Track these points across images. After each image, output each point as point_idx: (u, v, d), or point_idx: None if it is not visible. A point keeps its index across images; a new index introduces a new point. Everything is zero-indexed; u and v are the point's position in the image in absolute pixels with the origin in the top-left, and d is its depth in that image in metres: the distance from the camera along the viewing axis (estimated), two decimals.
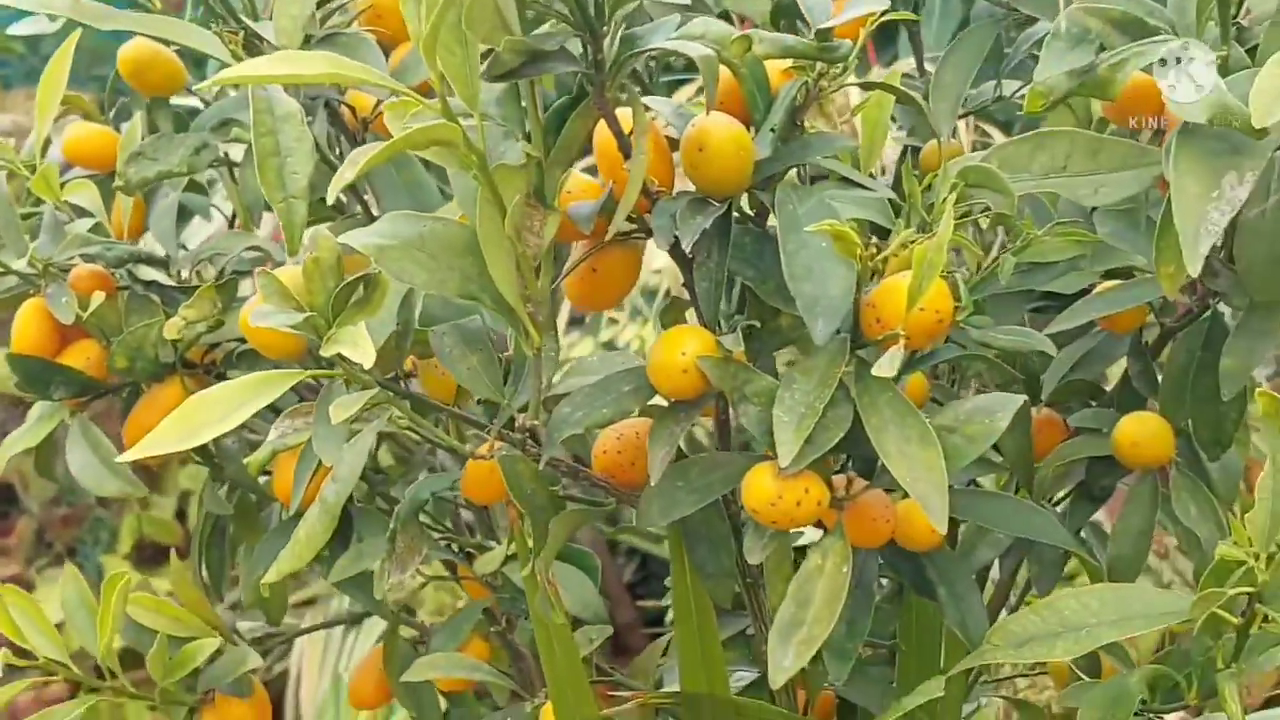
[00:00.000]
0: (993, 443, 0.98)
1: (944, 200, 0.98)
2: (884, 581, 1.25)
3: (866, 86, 1.07)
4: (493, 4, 0.85)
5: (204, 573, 1.36)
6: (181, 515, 4.26)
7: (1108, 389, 1.29)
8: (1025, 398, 1.01)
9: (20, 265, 1.21)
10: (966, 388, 1.33)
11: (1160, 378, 1.22)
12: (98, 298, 1.19)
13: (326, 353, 0.93)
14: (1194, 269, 0.96)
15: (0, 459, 1.24)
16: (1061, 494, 1.27)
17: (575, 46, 0.91)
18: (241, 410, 0.93)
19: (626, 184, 0.94)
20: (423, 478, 1.14)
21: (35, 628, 1.21)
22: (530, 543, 1.04)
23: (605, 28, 0.90)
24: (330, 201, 0.92)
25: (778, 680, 0.95)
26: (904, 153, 1.31)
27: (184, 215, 1.36)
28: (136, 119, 1.28)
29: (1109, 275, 1.19)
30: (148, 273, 1.23)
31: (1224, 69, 1.04)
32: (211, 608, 1.28)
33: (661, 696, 1.14)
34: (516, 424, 0.99)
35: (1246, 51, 1.09)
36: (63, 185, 1.27)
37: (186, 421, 0.93)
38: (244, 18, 1.11)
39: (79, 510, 4.70)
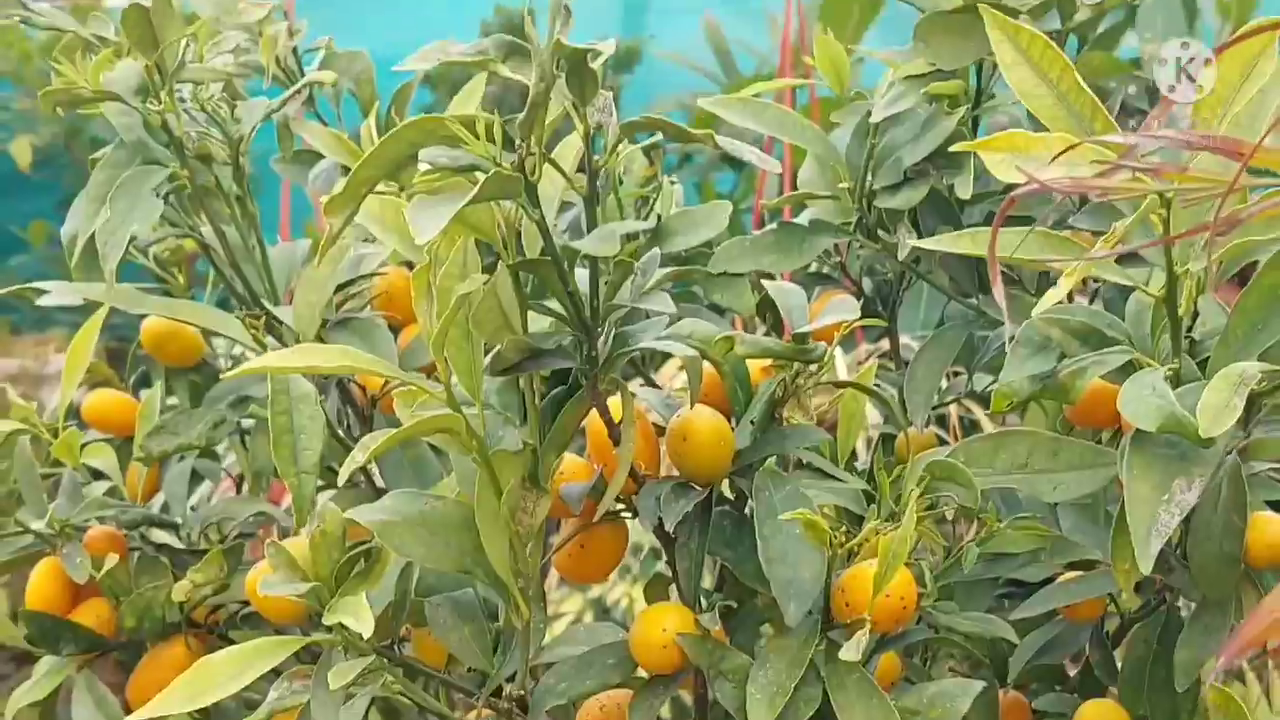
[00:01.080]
0: None
1: (910, 493, 1.06)
2: None
3: (841, 385, 1.14)
4: (498, 306, 0.93)
5: None
6: None
7: (1071, 675, 1.34)
8: (985, 683, 1.06)
9: (39, 526, 1.27)
10: (939, 666, 1.39)
11: (1120, 666, 1.28)
12: (111, 559, 1.25)
13: (329, 621, 0.99)
14: (1145, 567, 1.03)
15: (8, 713, 1.29)
16: None
17: (571, 343, 0.98)
18: (246, 674, 0.98)
19: (615, 468, 1.01)
20: None
21: None
22: None
23: (600, 328, 0.98)
24: (341, 483, 0.99)
25: None
26: (878, 442, 1.38)
27: (195, 478, 1.42)
28: (156, 389, 1.36)
29: (1070, 566, 1.25)
30: (159, 535, 1.30)
31: (1176, 380, 1.11)
32: None
33: None
34: (504, 692, 1.05)
35: (1198, 364, 1.16)
36: (81, 447, 1.34)
37: (195, 685, 0.98)
38: (265, 302, 1.19)
39: None
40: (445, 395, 0.93)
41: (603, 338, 0.99)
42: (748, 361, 1.10)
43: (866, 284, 1.46)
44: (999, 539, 1.15)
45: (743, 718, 0.99)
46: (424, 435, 0.93)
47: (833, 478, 1.10)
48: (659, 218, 1.24)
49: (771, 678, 1.00)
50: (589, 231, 0.95)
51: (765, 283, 1.19)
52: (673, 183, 1.26)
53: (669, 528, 1.03)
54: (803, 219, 1.36)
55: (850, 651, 0.97)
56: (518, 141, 0.89)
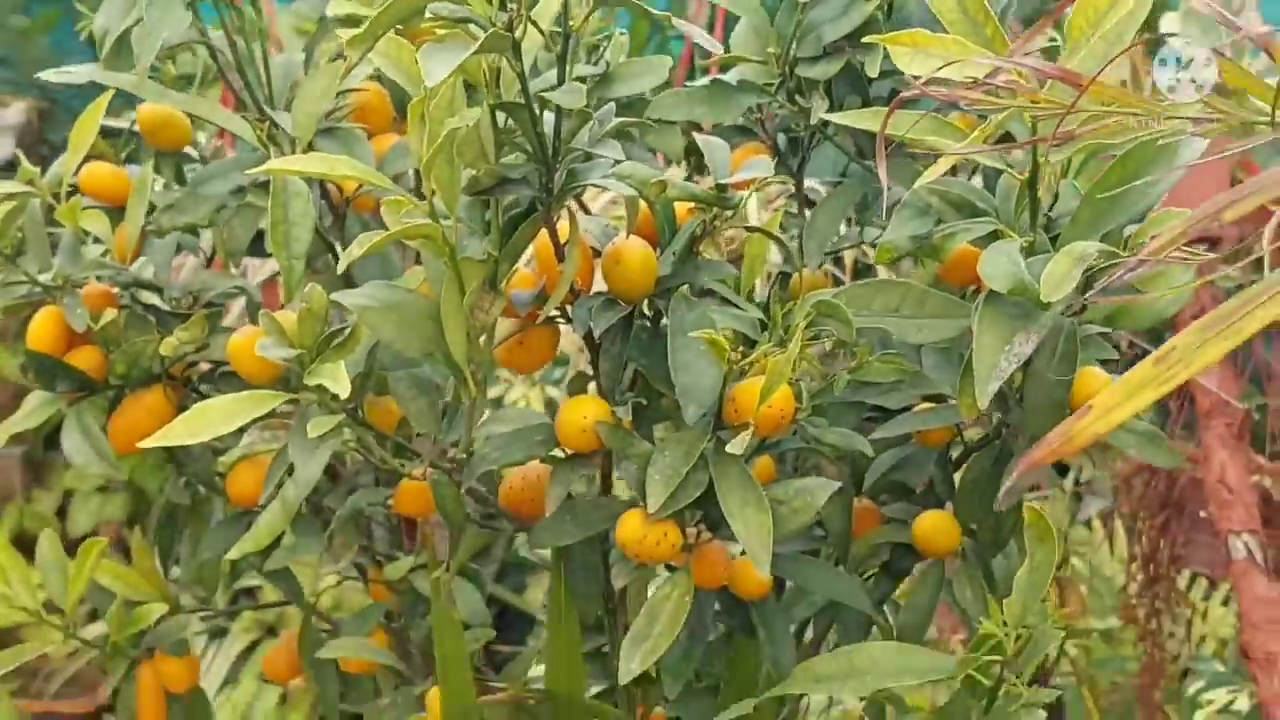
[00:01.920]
0: (812, 515, 1.26)
1: (797, 325, 1.27)
2: (719, 626, 1.52)
3: (750, 229, 1.35)
4: (478, 139, 1.13)
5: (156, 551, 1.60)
6: (61, 513, 4.44)
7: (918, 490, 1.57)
8: (841, 484, 1.29)
9: (44, 278, 1.46)
10: (808, 474, 1.61)
11: (957, 486, 1.51)
12: (109, 314, 1.44)
13: (310, 382, 1.19)
14: (982, 403, 1.25)
15: (2, 435, 1.48)
16: (871, 571, 1.55)
17: (534, 175, 1.18)
18: (237, 418, 1.19)
19: (558, 281, 1.22)
20: (358, 492, 1.39)
21: (19, 578, 1.45)
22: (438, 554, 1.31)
23: (557, 163, 1.18)
24: (340, 273, 1.18)
25: (624, 678, 1.22)
26: (776, 277, 1.59)
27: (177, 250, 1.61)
28: (148, 167, 1.54)
29: (926, 399, 1.48)
30: (147, 297, 1.49)
31: (1030, 251, 1.33)
32: (163, 581, 1.52)
33: (529, 693, 1.41)
34: (447, 455, 1.26)
35: (1051, 239, 1.37)
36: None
37: (193, 422, 1.19)
38: (266, 108, 1.37)
39: None
40: (428, 208, 1.13)
41: (559, 173, 1.19)
42: (674, 202, 1.30)
43: (781, 140, 1.66)
44: (867, 369, 1.37)
45: (641, 493, 1.21)
46: (409, 239, 1.13)
47: (735, 306, 1.31)
48: (607, 65, 1.44)
49: (668, 463, 1.22)
50: (560, 83, 1.15)
51: (695, 135, 1.39)
52: (621, 34, 1.46)
53: (596, 335, 1.24)
54: (731, 77, 1.55)
55: (735, 446, 1.19)
56: (508, 3, 1.08)
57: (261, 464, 1.43)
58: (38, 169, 1.55)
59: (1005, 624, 1.32)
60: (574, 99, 1.10)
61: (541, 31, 1.13)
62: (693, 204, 1.31)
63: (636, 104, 1.51)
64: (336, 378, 1.17)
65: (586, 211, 1.51)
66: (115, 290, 1.49)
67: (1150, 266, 0.99)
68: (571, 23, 1.14)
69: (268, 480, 1.30)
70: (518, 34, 1.09)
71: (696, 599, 1.36)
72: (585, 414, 1.24)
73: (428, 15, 1.08)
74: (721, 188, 1.28)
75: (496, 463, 1.26)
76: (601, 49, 1.45)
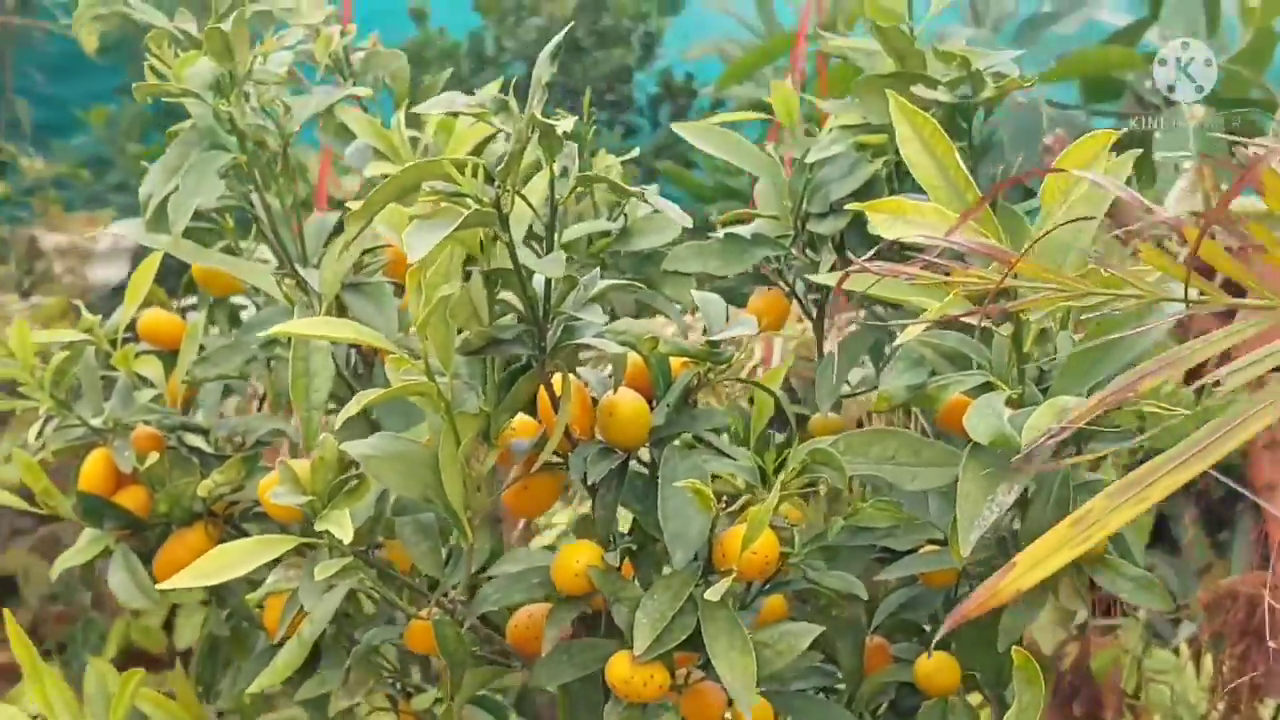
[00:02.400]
0: (794, 657, 1.32)
1: (780, 476, 1.33)
2: None
3: (745, 383, 1.42)
4: (469, 302, 1.21)
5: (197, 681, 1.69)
6: (168, 626, 4.55)
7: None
8: (822, 628, 1.35)
9: (96, 421, 1.56)
10: (824, 614, 1.67)
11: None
12: (153, 456, 1.54)
13: (319, 528, 1.28)
14: (964, 551, 1.31)
15: (55, 570, 1.58)
16: (882, 708, 1.60)
17: (526, 334, 1.27)
18: (252, 560, 1.27)
19: (553, 430, 1.30)
20: (374, 630, 1.47)
21: (64, 705, 1.53)
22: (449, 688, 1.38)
23: (549, 323, 1.26)
24: (339, 424, 1.26)
25: None
26: (795, 423, 1.65)
27: (226, 391, 1.71)
28: (202, 315, 1.64)
29: (932, 542, 1.53)
30: (192, 439, 1.58)
31: (1020, 402, 1.39)
32: (202, 709, 1.61)
33: None
34: (449, 596, 1.34)
35: (1044, 390, 1.43)
36: (136, 356, 1.63)
37: (212, 565, 1.27)
38: (297, 266, 1.47)
39: (73, 609, 5.01)
40: (424, 367, 1.21)
41: (551, 330, 1.27)
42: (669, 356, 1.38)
43: (800, 286, 1.73)
44: (861, 514, 1.43)
45: (630, 635, 1.28)
46: (406, 396, 1.21)
47: (728, 455, 1.38)
48: (625, 219, 1.53)
49: (656, 607, 1.29)
50: (548, 251, 1.24)
51: (694, 293, 1.47)
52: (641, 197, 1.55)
53: (590, 482, 1.32)
54: (746, 231, 1.63)
55: (713, 593, 1.25)
56: (496, 182, 1.17)
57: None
58: (97, 316, 1.66)
59: None
60: (555, 268, 1.18)
61: (530, 205, 1.22)
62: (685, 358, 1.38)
63: (655, 256, 1.60)
64: (341, 524, 1.25)
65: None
66: (162, 433, 1.58)
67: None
68: (557, 198, 1.22)
69: (282, 619, 1.38)
70: (505, 209, 1.18)
71: None
72: (579, 559, 1.32)
73: (424, 189, 1.17)
74: (713, 343, 1.36)
75: (496, 603, 1.34)
76: (623, 205, 1.54)
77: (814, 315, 1.72)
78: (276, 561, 1.38)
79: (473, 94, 1.29)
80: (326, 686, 1.52)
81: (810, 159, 1.58)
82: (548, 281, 1.25)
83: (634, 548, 1.36)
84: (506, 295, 1.26)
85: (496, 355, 1.26)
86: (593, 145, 1.54)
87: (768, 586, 1.46)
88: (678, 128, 1.64)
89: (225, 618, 1.65)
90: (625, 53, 5.72)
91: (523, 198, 1.20)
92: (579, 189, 1.22)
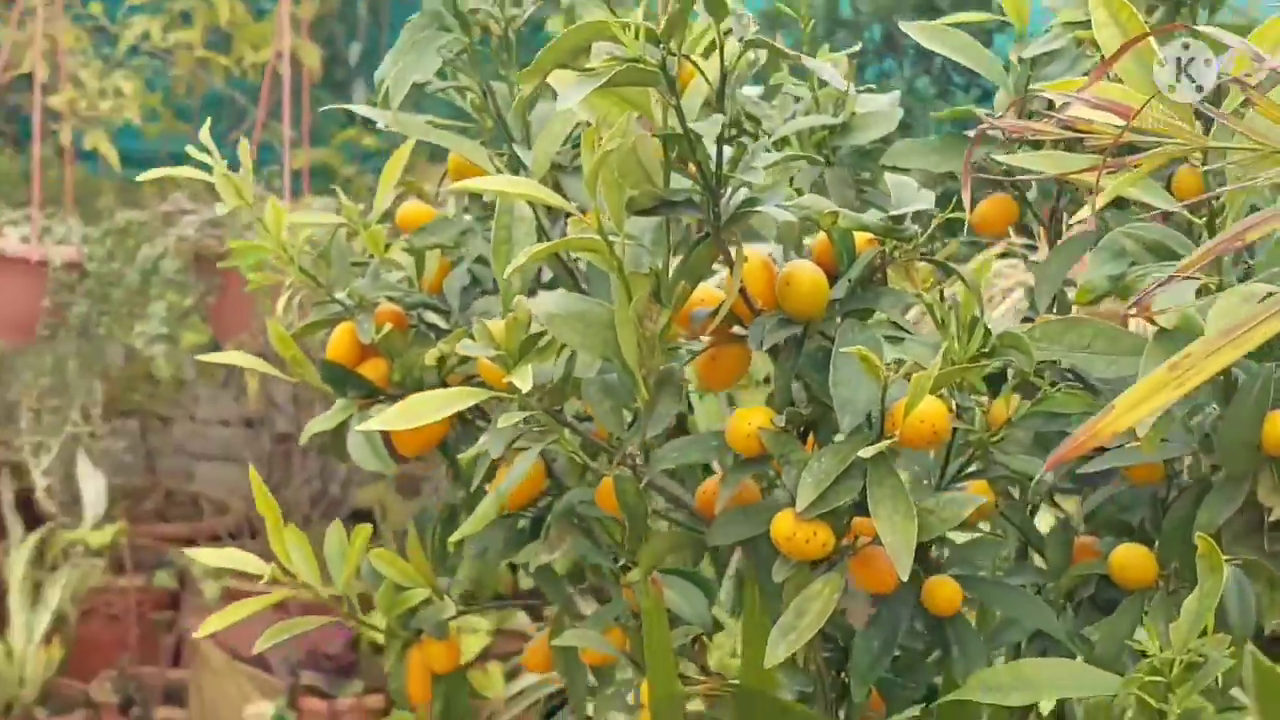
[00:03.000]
0: (957, 523, 1.35)
1: (966, 354, 1.36)
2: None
3: (932, 262, 1.45)
4: (638, 163, 1.27)
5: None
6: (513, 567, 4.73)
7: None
8: (985, 499, 1.37)
9: (341, 296, 1.67)
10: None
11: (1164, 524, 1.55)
12: (387, 327, 1.64)
13: (506, 380, 1.35)
14: (1142, 433, 1.32)
15: (305, 435, 1.69)
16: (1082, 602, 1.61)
17: (701, 200, 1.32)
18: (444, 409, 1.36)
19: (726, 296, 1.35)
20: (571, 491, 1.54)
21: (303, 558, 1.65)
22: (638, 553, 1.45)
23: (723, 190, 1.32)
24: (503, 278, 1.33)
25: (770, 662, 1.33)
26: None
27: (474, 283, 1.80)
28: (452, 203, 1.74)
29: None
30: (431, 317, 1.68)
31: (1219, 289, 1.38)
32: (430, 570, 1.71)
33: (727, 687, 1.53)
34: (630, 454, 1.40)
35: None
36: (387, 245, 1.73)
37: (408, 411, 1.36)
38: (516, 145, 1.55)
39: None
40: (595, 224, 1.28)
41: (725, 198, 1.32)
42: (855, 234, 1.42)
43: (1032, 190, 1.74)
44: (1050, 400, 1.44)
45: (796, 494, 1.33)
46: (575, 250, 1.28)
47: (909, 333, 1.40)
48: (850, 114, 1.57)
49: (821, 468, 1.33)
50: (721, 114, 1.29)
51: (887, 174, 1.50)
52: (862, 90, 1.58)
53: (764, 348, 1.36)
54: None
55: (868, 450, 1.29)
56: (660, 43, 1.23)
57: (525, 475, 1.61)
58: (360, 205, 1.77)
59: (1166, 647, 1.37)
60: (711, 129, 1.23)
61: (699, 69, 1.27)
62: (871, 235, 1.42)
63: (875, 151, 1.63)
64: (522, 376, 1.33)
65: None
66: (404, 311, 1.69)
67: None
68: (726, 63, 1.27)
69: (475, 473, 1.46)
70: (671, 71, 1.23)
71: (890, 612, 1.46)
72: (751, 420, 1.36)
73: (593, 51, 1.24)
74: (896, 219, 1.39)
75: (674, 462, 1.40)
76: (845, 98, 1.58)
77: (1046, 218, 1.73)
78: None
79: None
80: (540, 555, 1.60)
81: (1028, 54, 1.59)
82: (719, 149, 1.30)
83: (801, 413, 1.40)
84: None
85: (668, 216, 1.31)
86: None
87: (959, 471, 1.48)
88: (906, 27, 1.66)
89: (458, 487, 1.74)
90: None
91: (691, 60, 1.25)
92: (747, 54, 1.26)
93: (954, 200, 1.61)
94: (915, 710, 1.57)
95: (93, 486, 4.81)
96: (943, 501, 1.35)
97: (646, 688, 1.53)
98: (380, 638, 1.73)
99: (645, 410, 1.36)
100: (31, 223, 4.10)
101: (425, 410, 1.36)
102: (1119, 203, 1.69)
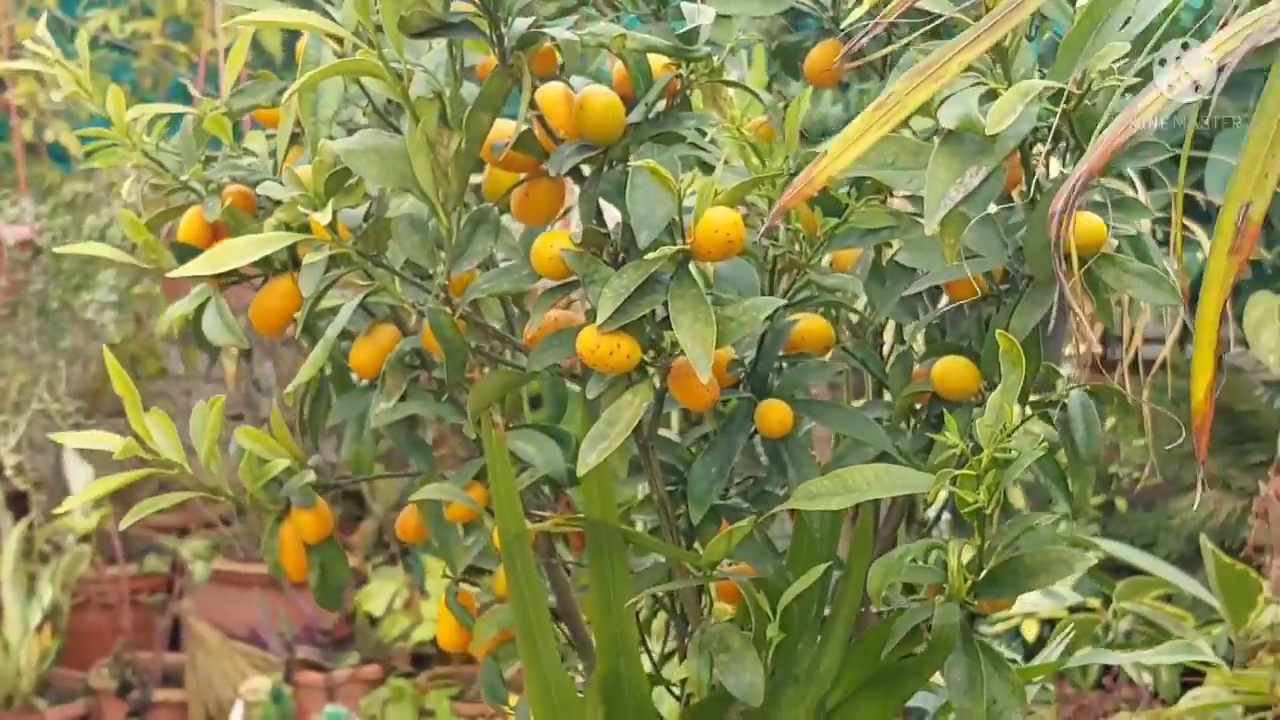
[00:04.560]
0: (754, 329, 1.37)
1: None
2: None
3: (728, 84, 1.48)
4: None
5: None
6: None
7: None
8: (783, 301, 1.40)
9: (184, 177, 1.70)
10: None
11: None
12: (228, 202, 1.66)
13: (312, 219, 1.39)
14: (929, 229, 1.34)
15: (164, 322, 1.73)
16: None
17: (482, 23, 1.35)
18: (254, 252, 1.40)
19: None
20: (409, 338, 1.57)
21: (166, 438, 1.68)
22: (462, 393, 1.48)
23: (504, 15, 1.35)
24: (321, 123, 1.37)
25: (581, 470, 1.37)
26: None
27: None
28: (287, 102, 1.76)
29: None
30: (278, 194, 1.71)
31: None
32: (295, 443, 1.74)
33: (569, 520, 1.56)
34: (442, 286, 1.44)
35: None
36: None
37: (218, 256, 1.40)
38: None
39: None
40: (372, 50, 1.31)
41: (505, 24, 1.35)
42: (651, 59, 1.45)
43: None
44: (857, 217, 1.46)
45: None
46: (352, 73, 1.31)
47: (707, 152, 1.43)
48: None
49: (622, 282, 1.36)
50: None
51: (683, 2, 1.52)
52: None
53: (557, 174, 1.40)
54: None
55: (659, 254, 1.32)
56: None
57: (376, 340, 1.64)
58: (215, 100, 1.80)
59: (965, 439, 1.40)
60: None
61: None
62: (667, 60, 1.44)
63: None
64: (325, 214, 1.36)
65: None
66: (251, 191, 1.71)
67: None
68: None
69: (300, 314, 1.49)
70: None
71: (725, 439, 1.50)
72: (554, 244, 1.40)
73: None
74: (685, 38, 1.41)
75: (485, 292, 1.43)
76: None
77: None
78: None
79: None
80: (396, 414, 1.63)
81: None
82: None
83: (625, 248, 1.42)
84: None
85: (446, 38, 1.34)
86: None
87: (788, 296, 1.51)
88: None
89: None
90: None
91: None
92: None
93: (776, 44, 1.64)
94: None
95: (80, 476, 4.86)
96: (742, 308, 1.38)
97: (497, 530, 1.56)
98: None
99: (449, 241, 1.40)
100: None
101: (235, 254, 1.40)
102: None
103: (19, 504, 4.97)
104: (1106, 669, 3.47)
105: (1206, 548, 3.14)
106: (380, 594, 5.07)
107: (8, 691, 4.75)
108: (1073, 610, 3.49)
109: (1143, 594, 3.45)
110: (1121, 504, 4.06)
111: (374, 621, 5.05)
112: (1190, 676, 3.27)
